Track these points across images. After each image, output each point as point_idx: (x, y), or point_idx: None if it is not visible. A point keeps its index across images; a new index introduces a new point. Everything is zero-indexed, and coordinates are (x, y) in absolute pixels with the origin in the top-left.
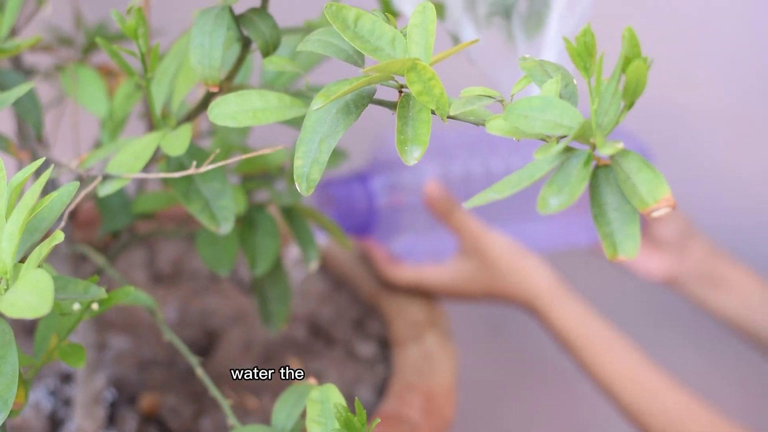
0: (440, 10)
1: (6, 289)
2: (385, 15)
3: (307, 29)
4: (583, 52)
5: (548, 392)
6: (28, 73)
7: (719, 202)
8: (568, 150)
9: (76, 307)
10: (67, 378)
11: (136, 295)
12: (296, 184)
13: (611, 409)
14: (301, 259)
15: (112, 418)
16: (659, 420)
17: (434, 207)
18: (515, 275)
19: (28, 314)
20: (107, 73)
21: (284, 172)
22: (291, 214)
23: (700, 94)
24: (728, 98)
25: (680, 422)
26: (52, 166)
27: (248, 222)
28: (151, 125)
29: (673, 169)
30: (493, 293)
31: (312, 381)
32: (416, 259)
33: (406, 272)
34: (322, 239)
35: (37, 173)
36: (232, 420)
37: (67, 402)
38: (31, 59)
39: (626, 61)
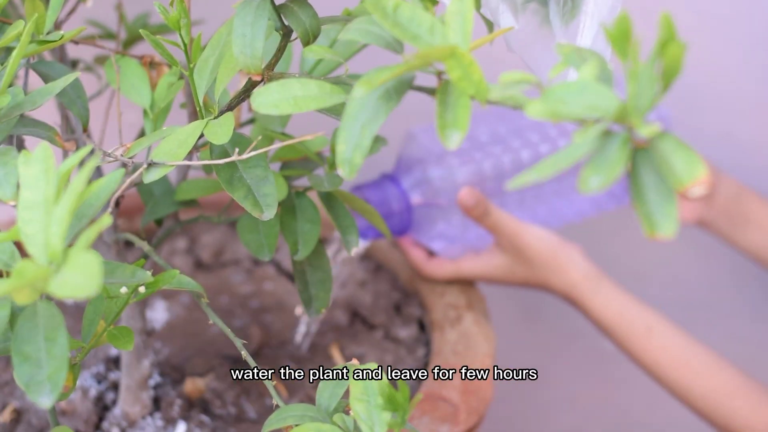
0: None
1: (55, 272)
2: (424, 3)
3: (346, 18)
4: (621, 36)
5: (585, 374)
6: (73, 64)
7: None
8: (606, 132)
9: (124, 290)
10: (114, 362)
11: (181, 279)
12: (339, 168)
13: (649, 392)
14: (341, 249)
15: (156, 401)
16: (706, 401)
17: (469, 213)
18: (552, 267)
19: (77, 295)
20: (149, 64)
21: (324, 158)
22: (330, 199)
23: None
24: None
25: (728, 401)
26: (98, 153)
27: (289, 208)
28: (194, 114)
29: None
30: (531, 284)
31: (354, 362)
32: (453, 252)
33: (444, 268)
34: (363, 244)
35: (84, 161)
36: (276, 400)
37: (115, 386)
38: (74, 52)
39: (662, 45)
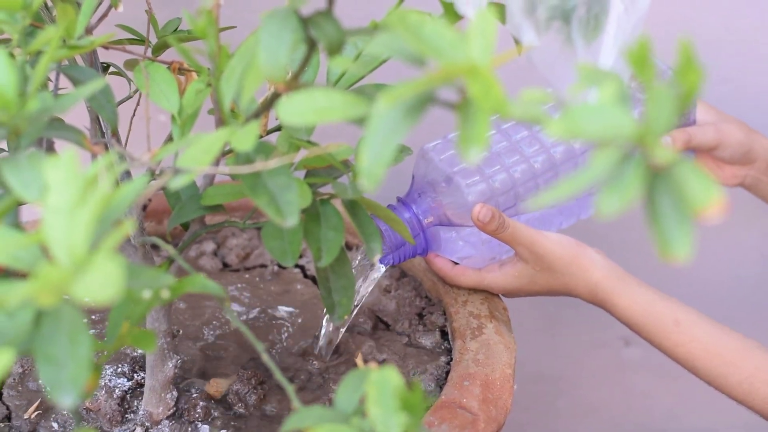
0: (502, 12)
1: (78, 275)
2: (448, 18)
3: (372, 30)
4: (640, 59)
5: (607, 384)
6: (104, 68)
7: None
8: (623, 154)
9: (147, 294)
10: (140, 363)
11: (205, 283)
12: (360, 180)
13: (670, 405)
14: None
15: (178, 402)
16: (743, 387)
17: (484, 229)
18: (573, 270)
19: (99, 298)
20: (178, 70)
21: (349, 166)
22: (354, 207)
23: None
24: None
25: (763, 386)
26: (125, 160)
27: (313, 215)
28: (221, 121)
29: None
30: (555, 291)
31: (373, 365)
32: (476, 262)
33: (469, 278)
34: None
35: (111, 166)
36: (296, 403)
37: (139, 386)
38: (105, 56)
39: (681, 71)
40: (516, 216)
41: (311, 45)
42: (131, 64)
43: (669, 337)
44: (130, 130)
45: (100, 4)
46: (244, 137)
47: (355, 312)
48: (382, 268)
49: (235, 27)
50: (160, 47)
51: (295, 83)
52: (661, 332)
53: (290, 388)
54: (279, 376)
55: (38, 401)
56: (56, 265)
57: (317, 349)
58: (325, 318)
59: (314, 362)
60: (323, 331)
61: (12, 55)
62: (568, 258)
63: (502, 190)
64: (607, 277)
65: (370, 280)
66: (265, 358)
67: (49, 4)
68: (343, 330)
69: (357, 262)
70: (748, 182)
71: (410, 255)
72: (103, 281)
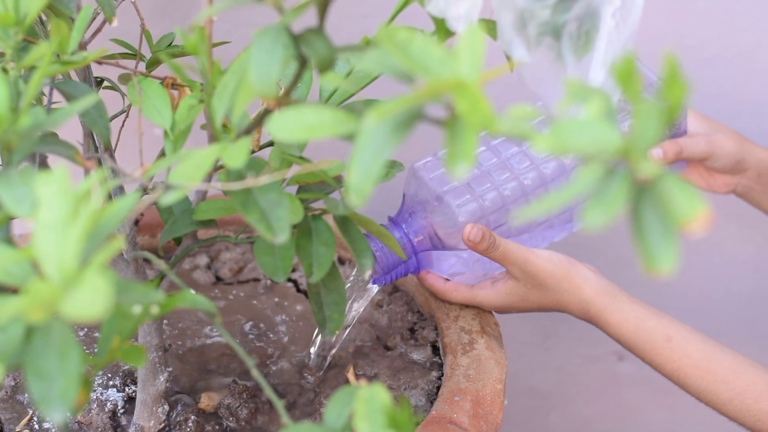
0: (493, 28)
1: (68, 292)
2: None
3: (363, 47)
4: (625, 74)
5: (600, 399)
6: (98, 83)
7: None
8: (608, 169)
9: (137, 309)
10: (131, 377)
11: (194, 299)
12: (348, 197)
13: (664, 419)
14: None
15: (170, 415)
16: (734, 405)
17: (475, 249)
18: (565, 287)
19: (87, 315)
20: (171, 85)
21: (340, 182)
22: (345, 223)
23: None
24: None
25: (755, 403)
26: (117, 175)
27: (305, 230)
28: (213, 137)
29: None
30: (547, 308)
31: (363, 382)
32: (468, 279)
33: (461, 294)
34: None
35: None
36: (285, 419)
37: (131, 400)
38: (99, 70)
39: (666, 85)
40: (507, 233)
41: (303, 62)
42: (125, 79)
43: (660, 354)
44: (118, 142)
45: (94, 19)
46: (235, 153)
47: (348, 330)
48: (375, 288)
49: (230, 42)
50: (154, 62)
51: (286, 99)
52: (653, 349)
53: (279, 404)
54: (269, 391)
55: (29, 414)
56: (46, 280)
57: (311, 362)
58: (317, 332)
59: (307, 377)
60: (316, 345)
61: (5, 70)
62: (559, 275)
63: (493, 209)
64: (598, 293)
65: (363, 299)
66: (255, 373)
67: (44, 18)
68: (336, 345)
69: (350, 280)
70: (739, 190)
71: (402, 274)
72: (92, 298)
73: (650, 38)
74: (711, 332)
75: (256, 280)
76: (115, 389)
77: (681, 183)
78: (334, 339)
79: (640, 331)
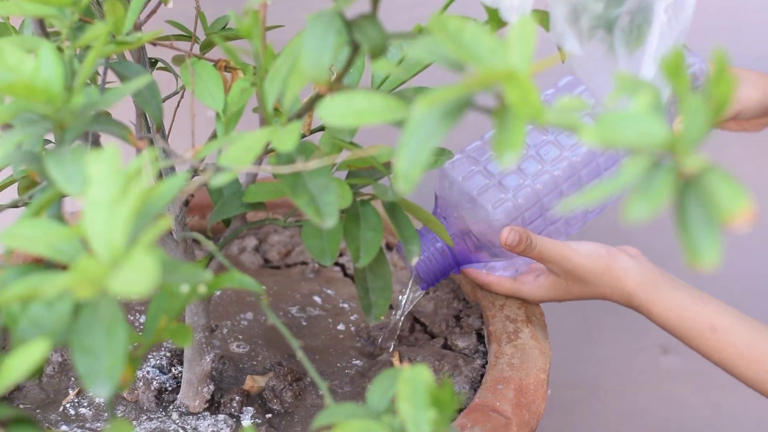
0: (545, 19)
1: (115, 269)
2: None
3: (415, 34)
4: (674, 69)
5: (644, 392)
6: (152, 63)
7: None
8: (654, 162)
9: (184, 288)
10: (178, 356)
11: (242, 279)
12: (396, 183)
13: (708, 415)
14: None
15: (214, 395)
16: None
17: (513, 250)
18: (606, 281)
19: (133, 293)
20: (224, 68)
21: (390, 168)
22: (394, 209)
23: None
24: None
25: None
26: (168, 156)
27: (353, 215)
28: (265, 120)
29: None
30: (591, 298)
31: (405, 364)
32: (510, 272)
33: (504, 288)
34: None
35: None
36: (329, 400)
37: (176, 379)
38: (153, 51)
39: (714, 81)
40: (543, 226)
41: (355, 48)
42: (179, 60)
43: (706, 344)
44: (172, 124)
45: (149, 0)
46: (286, 137)
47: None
48: (420, 293)
49: (283, 26)
50: (208, 44)
51: (338, 85)
52: (698, 338)
53: (324, 386)
54: (313, 373)
55: (77, 390)
56: (95, 258)
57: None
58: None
59: (353, 361)
60: (401, 306)
61: (60, 49)
62: (599, 270)
63: (527, 206)
64: (640, 285)
65: (409, 301)
66: (300, 355)
67: None
68: (402, 318)
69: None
70: None
71: (444, 276)
72: (139, 275)
73: (703, 32)
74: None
75: (304, 263)
76: (161, 369)
77: (726, 177)
78: (393, 323)
79: (684, 321)
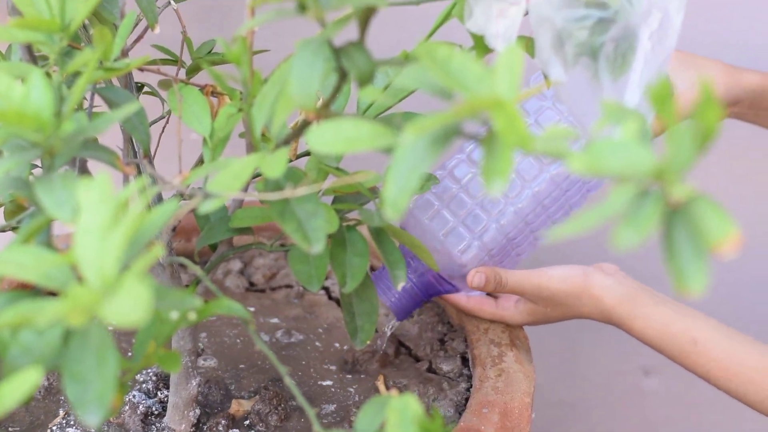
0: (530, 46)
1: (107, 297)
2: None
3: (401, 61)
4: (661, 97)
5: (625, 413)
6: (138, 88)
7: None
8: (642, 190)
9: (174, 315)
10: (164, 380)
11: (230, 306)
12: (385, 210)
13: None
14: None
15: (200, 420)
16: (764, 405)
17: (485, 290)
18: (585, 302)
19: (127, 322)
20: (211, 93)
21: (376, 193)
22: (380, 234)
23: None
24: None
25: None
26: (156, 181)
27: (339, 240)
28: (252, 145)
29: None
30: (571, 318)
31: (394, 392)
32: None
33: (484, 309)
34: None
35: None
36: (317, 427)
37: (162, 403)
38: (139, 75)
39: (700, 109)
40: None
41: (342, 74)
42: (165, 84)
43: (687, 358)
44: (157, 148)
45: (136, 25)
46: (274, 164)
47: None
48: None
49: (269, 51)
50: (194, 69)
51: (325, 111)
52: (680, 353)
53: (311, 412)
54: (301, 399)
55: (63, 412)
56: (87, 286)
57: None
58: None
59: (336, 384)
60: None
61: (48, 75)
62: (576, 291)
63: (492, 245)
64: (619, 302)
65: (389, 328)
66: (288, 381)
67: (86, 22)
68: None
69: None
70: (732, 116)
71: (418, 307)
72: (132, 304)
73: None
74: (746, 317)
75: (289, 286)
76: (147, 392)
77: (713, 205)
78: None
79: (665, 336)
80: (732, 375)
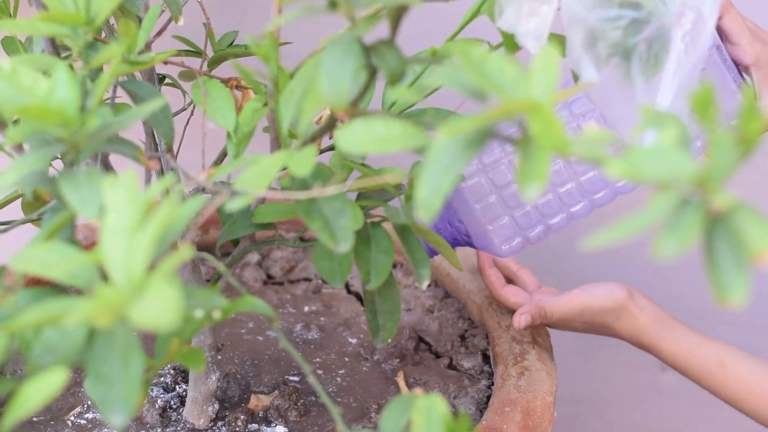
0: (562, 44)
1: (135, 299)
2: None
3: (431, 59)
4: (703, 104)
5: (645, 408)
6: (160, 80)
7: None
8: (683, 198)
9: (199, 313)
10: (182, 374)
11: (255, 304)
12: (418, 211)
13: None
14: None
15: (219, 415)
16: None
17: (533, 325)
18: (621, 316)
19: (156, 324)
20: (235, 87)
21: (401, 190)
22: (405, 232)
23: None
24: None
25: None
26: (182, 179)
27: (364, 237)
28: (276, 140)
29: None
30: (598, 333)
31: (418, 391)
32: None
33: (518, 299)
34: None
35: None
36: (340, 426)
37: (181, 398)
38: (161, 67)
39: (743, 117)
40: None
41: (372, 72)
42: (186, 76)
43: (715, 379)
44: (181, 141)
45: (158, 17)
46: (302, 162)
47: None
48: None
49: (291, 43)
50: (216, 61)
51: (354, 109)
52: (707, 375)
53: (335, 411)
54: (325, 397)
55: (80, 406)
56: (114, 286)
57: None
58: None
59: (360, 377)
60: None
61: (72, 68)
62: (618, 308)
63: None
64: (653, 322)
65: None
66: (312, 380)
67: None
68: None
69: None
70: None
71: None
72: (161, 306)
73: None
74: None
75: (307, 279)
76: (165, 387)
77: (754, 215)
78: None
79: (694, 357)
80: (758, 396)
